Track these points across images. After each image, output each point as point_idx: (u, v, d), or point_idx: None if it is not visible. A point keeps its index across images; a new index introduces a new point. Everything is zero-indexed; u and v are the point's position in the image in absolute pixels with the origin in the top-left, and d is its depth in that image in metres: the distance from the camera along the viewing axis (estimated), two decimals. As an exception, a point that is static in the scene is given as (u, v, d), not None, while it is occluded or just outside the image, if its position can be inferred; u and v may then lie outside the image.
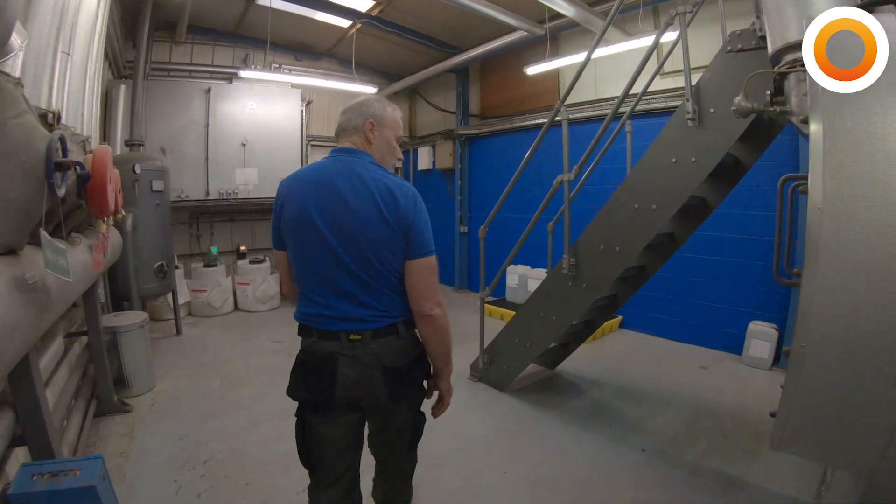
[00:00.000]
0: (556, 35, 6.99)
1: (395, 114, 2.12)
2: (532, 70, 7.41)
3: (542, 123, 8.02)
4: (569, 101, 7.95)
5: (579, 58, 6.67)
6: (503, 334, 4.96)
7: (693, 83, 3.47)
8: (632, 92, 4.21)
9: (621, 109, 6.37)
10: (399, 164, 2.43)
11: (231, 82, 8.32)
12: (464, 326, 7.10)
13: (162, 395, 4.75)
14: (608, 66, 7.22)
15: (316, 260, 1.90)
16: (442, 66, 8.74)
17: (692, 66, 4.17)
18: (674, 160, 3.57)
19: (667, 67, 6.86)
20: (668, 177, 3.61)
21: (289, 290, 2.20)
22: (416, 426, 2.13)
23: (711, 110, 3.40)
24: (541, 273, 7.58)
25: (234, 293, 8.12)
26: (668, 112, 6.28)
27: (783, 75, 2.47)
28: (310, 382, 1.99)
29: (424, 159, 10.64)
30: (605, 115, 6.85)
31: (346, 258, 1.86)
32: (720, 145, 3.39)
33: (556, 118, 4.30)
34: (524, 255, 8.21)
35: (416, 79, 9.42)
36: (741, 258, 6.13)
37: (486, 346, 5.13)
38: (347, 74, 8.89)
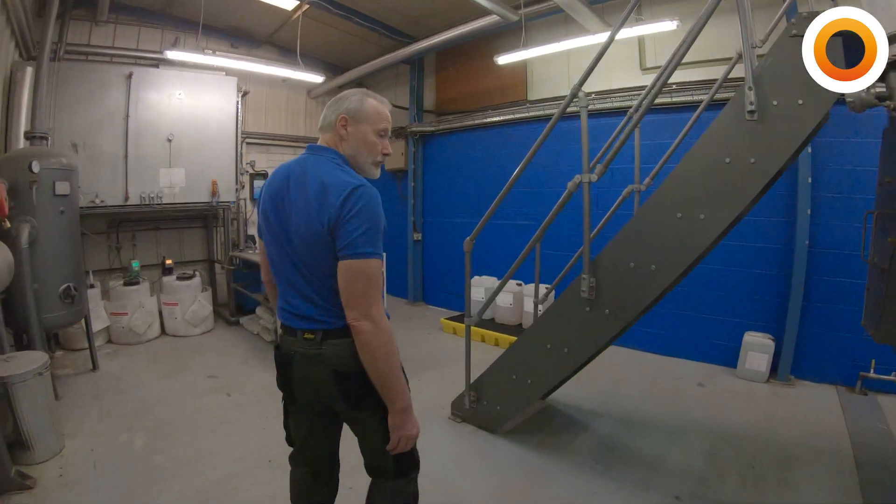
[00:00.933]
0: (526, 24, 6.35)
1: (376, 106, 2.01)
2: (504, 59, 6.75)
3: (510, 119, 7.67)
4: (539, 95, 7.71)
5: (558, 47, 6.19)
6: (496, 369, 4.21)
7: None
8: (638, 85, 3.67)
9: (625, 104, 6.10)
10: (382, 160, 2.09)
11: (158, 67, 7.14)
12: (423, 347, 6.48)
13: (73, 460, 3.70)
14: (584, 57, 6.66)
15: (276, 256, 1.98)
16: (395, 56, 7.91)
17: (711, 56, 3.77)
18: (728, 161, 3.00)
19: (648, 63, 6.48)
20: (720, 181, 3.03)
21: (267, 284, 2.25)
22: (399, 451, 1.96)
23: (774, 103, 2.86)
24: (513, 286, 6.99)
25: (161, 315, 6.93)
26: (675, 108, 5.86)
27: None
28: (278, 375, 2.08)
29: None
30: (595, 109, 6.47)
31: (294, 256, 1.90)
32: (786, 144, 2.86)
33: (571, 109, 3.62)
34: (490, 266, 7.59)
35: (364, 70, 8.51)
36: (734, 266, 5.77)
37: (472, 380, 4.34)
38: (290, 63, 7.90)
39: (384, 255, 1.85)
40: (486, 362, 4.32)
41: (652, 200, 3.33)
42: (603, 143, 4.62)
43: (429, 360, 5.94)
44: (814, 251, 5.26)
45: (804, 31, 2.73)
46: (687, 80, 5.85)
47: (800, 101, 2.79)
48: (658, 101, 5.70)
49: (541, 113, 7.25)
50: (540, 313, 4.49)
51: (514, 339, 6.21)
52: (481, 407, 4.27)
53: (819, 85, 2.81)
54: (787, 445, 4.03)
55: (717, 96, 4.46)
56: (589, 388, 5.13)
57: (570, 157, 6.57)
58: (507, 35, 7.09)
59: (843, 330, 5.18)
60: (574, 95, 3.52)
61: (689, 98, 5.75)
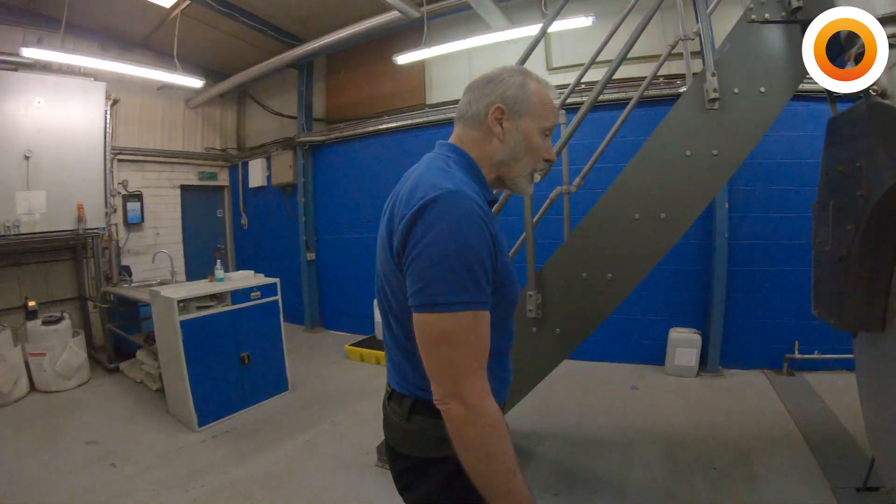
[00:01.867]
0: (427, 24, 6.03)
1: (541, 92, 1.41)
2: (405, 58, 6.34)
3: (407, 125, 7.21)
4: (438, 99, 7.37)
5: (463, 44, 5.91)
6: None
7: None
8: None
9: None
10: (543, 169, 1.49)
11: (17, 71, 5.99)
12: (330, 381, 5.84)
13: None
14: (486, 59, 6.45)
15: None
16: (281, 60, 7.29)
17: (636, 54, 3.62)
18: (688, 154, 2.80)
19: (555, 62, 6.35)
20: (680, 176, 2.82)
21: None
22: None
23: (735, 90, 2.73)
24: None
25: (28, 368, 5.69)
26: (603, 106, 5.61)
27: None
28: None
29: (257, 174, 8.97)
30: None
31: (379, 294, 1.42)
32: (750, 134, 2.75)
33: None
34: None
35: (248, 75, 7.80)
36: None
37: None
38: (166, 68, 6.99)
39: (468, 303, 1.15)
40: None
41: (603, 202, 3.04)
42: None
43: (340, 396, 5.32)
44: (733, 243, 5.35)
45: (762, 17, 2.73)
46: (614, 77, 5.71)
47: (762, 89, 2.72)
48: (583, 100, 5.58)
49: (441, 117, 6.89)
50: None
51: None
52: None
53: (780, 72, 2.80)
54: (738, 440, 3.98)
55: (647, 93, 4.44)
56: (524, 406, 4.64)
57: None
58: (406, 35, 6.70)
59: (765, 316, 5.35)
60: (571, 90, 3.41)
61: (622, 95, 5.60)
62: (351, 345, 6.77)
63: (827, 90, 3.64)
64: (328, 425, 4.59)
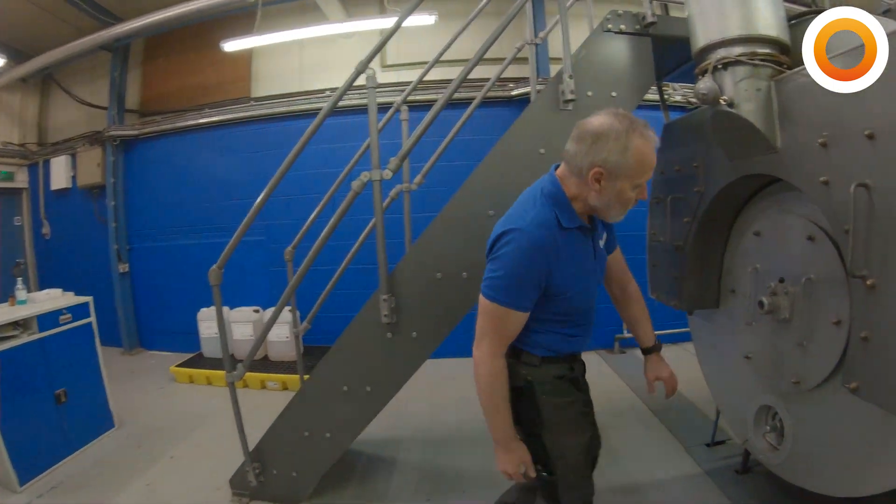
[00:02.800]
0: (261, 10, 5.63)
1: (643, 153, 1.65)
2: (233, 45, 5.91)
3: (232, 120, 6.71)
4: (264, 92, 6.94)
5: (298, 34, 5.75)
6: (280, 429, 3.33)
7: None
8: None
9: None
10: (622, 213, 1.81)
11: None
12: (160, 410, 5.09)
13: None
14: (318, 53, 6.22)
15: None
16: (95, 40, 6.38)
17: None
18: (542, 152, 2.85)
19: (390, 59, 6.31)
20: (535, 173, 2.73)
21: None
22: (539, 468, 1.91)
23: (589, 94, 2.87)
24: (248, 313, 6.08)
25: None
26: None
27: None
28: None
29: (61, 174, 7.66)
30: (317, 108, 5.97)
31: None
32: None
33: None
34: (236, 294, 6.29)
35: (54, 57, 6.69)
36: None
37: (250, 448, 3.32)
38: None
39: (504, 302, 1.74)
40: (251, 414, 3.43)
41: (456, 200, 2.99)
42: (348, 142, 4.21)
43: (174, 426, 4.61)
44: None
45: (618, 28, 2.94)
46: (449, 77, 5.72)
47: (613, 94, 2.88)
48: (424, 97, 5.62)
49: (267, 112, 6.49)
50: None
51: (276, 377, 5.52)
52: (272, 478, 3.35)
53: (630, 79, 3.01)
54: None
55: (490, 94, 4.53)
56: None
57: (320, 158, 5.93)
58: (235, 21, 6.21)
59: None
60: (360, 73, 3.00)
61: (461, 95, 5.52)
62: (177, 365, 6.05)
63: (661, 100, 4.09)
64: (168, 463, 3.97)
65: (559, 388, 1.88)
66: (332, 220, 3.07)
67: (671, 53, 3.19)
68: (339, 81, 5.94)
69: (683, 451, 3.63)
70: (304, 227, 3.97)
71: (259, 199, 3.01)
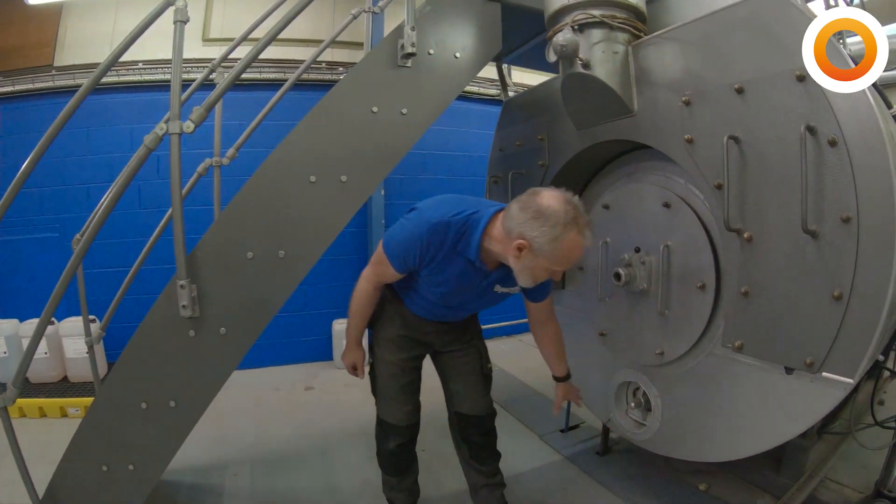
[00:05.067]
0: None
1: (571, 250, 1.72)
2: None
3: (31, 91, 5.41)
4: (71, 60, 5.75)
5: None
6: (70, 466, 2.47)
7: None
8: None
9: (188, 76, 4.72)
10: (530, 282, 1.85)
11: None
12: None
13: None
14: (135, 16, 5.32)
15: None
16: None
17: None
18: (375, 110, 2.52)
19: (213, 34, 5.66)
20: (365, 134, 2.53)
21: None
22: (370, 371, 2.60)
23: (430, 51, 2.63)
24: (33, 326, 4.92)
25: None
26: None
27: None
28: None
29: None
30: (129, 82, 5.25)
31: None
32: (441, 96, 2.69)
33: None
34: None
35: None
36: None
37: (40, 495, 2.31)
38: None
39: (391, 255, 2.02)
40: (48, 449, 2.63)
41: (270, 163, 2.47)
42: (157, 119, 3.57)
43: None
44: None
45: None
46: (275, 57, 5.22)
47: (457, 55, 2.70)
48: (249, 76, 5.16)
49: (71, 83, 5.30)
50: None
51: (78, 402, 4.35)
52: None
53: (475, 43, 2.80)
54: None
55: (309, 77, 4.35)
56: (191, 438, 3.79)
57: (126, 139, 5.00)
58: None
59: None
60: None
61: (281, 75, 5.24)
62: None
63: (500, 77, 4.04)
64: None
65: (403, 324, 2.33)
66: (116, 186, 2.36)
67: (518, 27, 3.07)
68: (158, 53, 5.25)
69: (539, 440, 3.59)
70: (96, 211, 2.97)
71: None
